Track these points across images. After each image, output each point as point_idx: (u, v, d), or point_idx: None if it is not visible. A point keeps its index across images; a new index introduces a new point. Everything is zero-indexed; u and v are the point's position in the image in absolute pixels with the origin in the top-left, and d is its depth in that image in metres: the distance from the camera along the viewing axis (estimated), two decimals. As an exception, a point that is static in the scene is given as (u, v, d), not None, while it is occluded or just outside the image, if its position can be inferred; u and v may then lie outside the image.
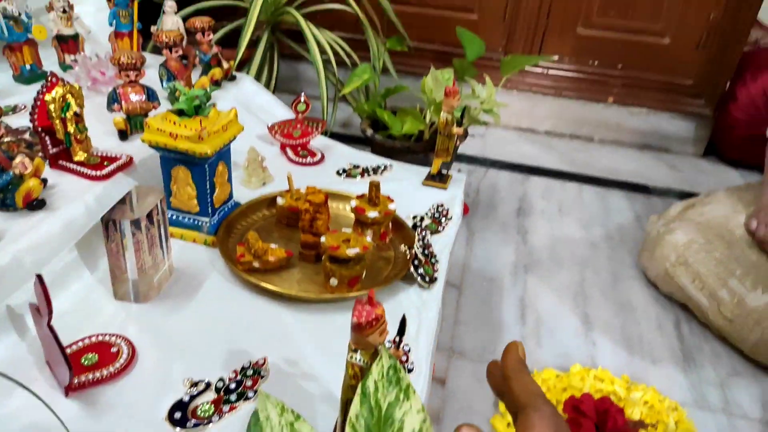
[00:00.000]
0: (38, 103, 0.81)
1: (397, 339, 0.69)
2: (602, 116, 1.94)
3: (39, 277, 0.55)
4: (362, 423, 0.44)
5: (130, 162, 0.89)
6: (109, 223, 0.68)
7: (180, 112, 0.79)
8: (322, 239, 0.76)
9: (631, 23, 1.79)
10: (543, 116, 1.99)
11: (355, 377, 0.49)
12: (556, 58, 1.90)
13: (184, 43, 1.17)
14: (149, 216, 0.70)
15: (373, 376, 0.46)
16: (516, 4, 1.84)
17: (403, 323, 0.53)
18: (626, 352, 1.08)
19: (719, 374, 1.05)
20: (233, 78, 1.26)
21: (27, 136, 0.95)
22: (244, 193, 0.98)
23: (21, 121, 0.99)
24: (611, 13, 1.80)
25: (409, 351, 0.69)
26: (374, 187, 0.86)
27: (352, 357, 0.49)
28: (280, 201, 0.90)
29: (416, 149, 1.32)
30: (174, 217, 0.85)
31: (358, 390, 0.46)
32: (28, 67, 1.14)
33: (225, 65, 1.21)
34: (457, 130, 1.02)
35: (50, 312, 0.56)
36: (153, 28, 1.26)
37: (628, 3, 1.77)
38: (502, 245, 1.36)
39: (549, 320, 1.14)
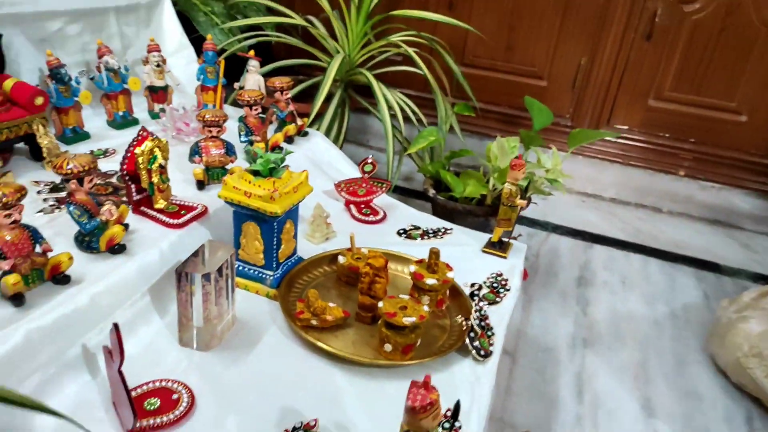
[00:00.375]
0: (129, 153, 0.88)
1: (451, 423, 0.68)
2: (671, 188, 1.89)
3: (115, 326, 0.59)
4: None
5: (205, 212, 0.94)
6: (181, 275, 0.71)
7: (256, 174, 0.83)
8: (380, 304, 0.77)
9: (705, 99, 1.76)
10: (608, 183, 1.95)
11: (407, 459, 0.49)
12: (623, 132, 1.88)
13: (264, 100, 1.24)
14: (219, 269, 0.74)
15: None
16: (586, 74, 1.85)
17: (457, 408, 0.53)
18: (690, 446, 1.01)
19: (795, 481, 0.96)
20: (305, 134, 1.32)
21: (114, 180, 1.02)
22: (307, 246, 1.01)
23: (110, 165, 1.08)
24: (684, 88, 1.77)
25: (460, 427, 0.68)
26: (434, 254, 0.87)
27: (403, 439, 0.49)
28: (341, 260, 0.93)
29: (477, 213, 1.32)
30: (240, 269, 0.88)
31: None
32: (121, 113, 1.24)
33: (299, 122, 1.27)
34: (520, 202, 1.02)
35: (122, 358, 0.59)
36: (236, 84, 1.34)
37: (702, 79, 1.74)
38: (561, 315, 1.33)
39: (607, 401, 1.09)
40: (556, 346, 1.23)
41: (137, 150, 0.86)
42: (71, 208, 0.77)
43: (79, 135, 1.16)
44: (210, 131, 1.02)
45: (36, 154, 1.05)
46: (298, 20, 1.61)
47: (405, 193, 1.23)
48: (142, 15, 1.41)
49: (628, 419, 1.05)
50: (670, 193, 1.90)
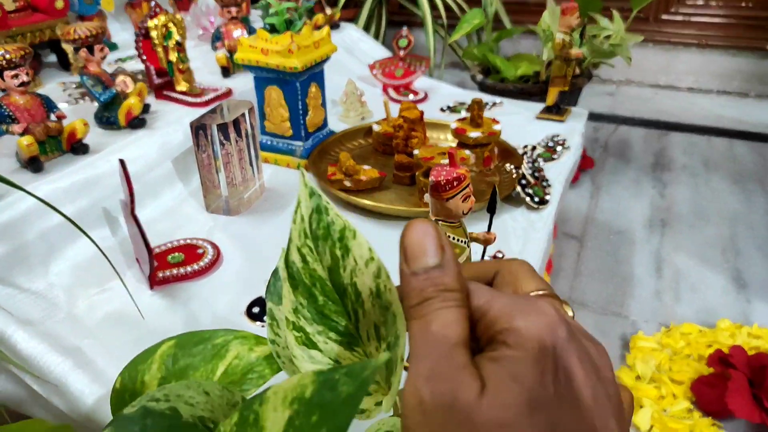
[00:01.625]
0: (142, 32, 0.83)
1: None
2: (758, 68, 1.67)
3: (121, 162, 0.55)
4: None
5: (229, 93, 0.89)
6: (198, 128, 0.66)
7: (272, 29, 0.77)
8: (415, 152, 0.69)
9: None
10: (684, 71, 1.75)
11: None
12: (698, 7, 1.66)
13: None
14: (237, 129, 0.68)
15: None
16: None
17: (493, 198, 0.45)
18: (794, 314, 0.88)
19: None
20: (337, 26, 1.24)
21: (140, 77, 0.99)
22: (342, 127, 0.94)
23: (137, 65, 1.04)
24: (770, -59, 1.54)
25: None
26: (477, 105, 0.77)
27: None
28: (376, 128, 0.85)
29: (532, 91, 1.20)
30: (268, 142, 0.83)
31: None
32: (149, 24, 1.20)
33: (328, 11, 1.19)
34: (575, 52, 0.90)
35: (132, 199, 0.55)
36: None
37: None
38: (634, 199, 1.20)
39: (691, 276, 0.97)
40: (629, 228, 1.11)
41: (150, 23, 0.81)
42: (84, 79, 0.73)
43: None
44: (229, 12, 0.96)
45: (64, 62, 1.03)
46: None
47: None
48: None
49: (716, 292, 0.93)
50: (757, 74, 1.68)
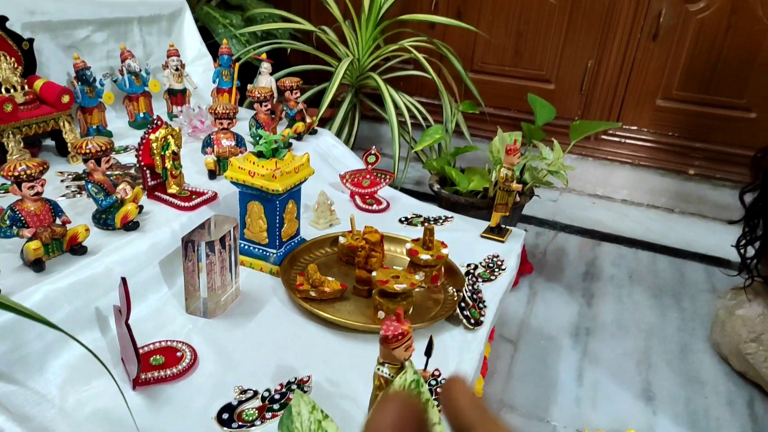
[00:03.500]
0: (143, 141, 0.94)
1: (437, 381, 0.72)
2: (682, 188, 1.89)
3: (123, 279, 0.65)
4: (380, 426, 0.47)
5: (214, 197, 1.00)
6: (188, 243, 0.77)
7: (260, 154, 0.89)
8: (374, 273, 0.81)
9: (713, 97, 1.77)
10: (619, 185, 1.97)
11: (380, 388, 0.53)
12: (632, 132, 1.90)
13: (274, 99, 1.31)
14: (222, 241, 0.79)
15: (395, 386, 0.50)
16: (593, 77, 1.88)
17: (430, 344, 0.57)
18: (689, 427, 1.02)
19: (797, 462, 0.96)
20: (314, 132, 1.38)
21: (132, 171, 1.09)
22: (311, 232, 1.06)
23: (129, 158, 1.15)
24: (692, 87, 1.79)
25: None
26: (428, 231, 0.91)
27: (379, 369, 0.53)
28: (341, 240, 0.97)
29: (480, 205, 1.36)
30: (246, 247, 0.94)
31: (380, 396, 0.49)
32: (141, 114, 1.32)
33: (308, 120, 1.33)
34: (516, 186, 1.06)
35: (128, 311, 0.64)
36: (249, 86, 1.41)
37: (710, 77, 1.75)
38: (565, 307, 1.35)
39: (607, 385, 1.10)
40: (558, 335, 1.24)
41: (152, 137, 0.93)
42: (89, 186, 0.83)
43: (102, 133, 1.23)
44: (221, 123, 1.08)
45: (62, 149, 1.13)
46: (309, 27, 1.69)
47: (415, 196, 1.28)
48: (163, 25, 1.50)
49: (628, 402, 1.06)
50: (682, 193, 1.91)
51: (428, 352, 0.56)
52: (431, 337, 0.56)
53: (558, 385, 1.09)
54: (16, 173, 0.72)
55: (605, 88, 1.88)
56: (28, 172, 0.73)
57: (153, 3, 1.48)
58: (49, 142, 1.15)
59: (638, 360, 1.18)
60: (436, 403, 0.60)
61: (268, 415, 0.64)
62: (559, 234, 1.72)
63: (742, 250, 1.15)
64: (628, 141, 1.91)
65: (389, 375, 0.52)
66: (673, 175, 1.89)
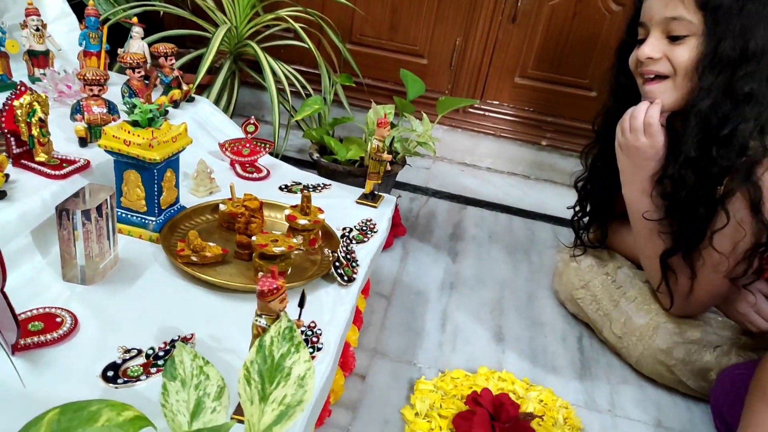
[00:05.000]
0: (6, 107, 0.91)
1: (313, 331, 0.81)
2: (536, 157, 2.12)
3: (-3, 248, 0.65)
4: (256, 368, 0.55)
5: (87, 165, 0.99)
6: (62, 212, 0.78)
7: (135, 123, 0.90)
8: (253, 238, 0.87)
9: (562, 77, 1.99)
10: (484, 154, 2.16)
11: (257, 336, 0.60)
12: (494, 106, 2.08)
13: (148, 65, 1.28)
14: (99, 209, 0.80)
15: (270, 333, 0.57)
16: (461, 54, 2.03)
17: (302, 297, 0.64)
18: (531, 361, 1.20)
19: (610, 382, 1.18)
20: (192, 99, 1.38)
21: (-7, 137, 1.04)
22: (192, 200, 1.08)
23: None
24: (545, 66, 2.00)
25: (321, 334, 0.80)
26: (306, 198, 0.98)
27: (257, 320, 0.60)
28: (222, 207, 1.01)
29: (357, 173, 1.45)
30: (123, 215, 0.95)
31: (256, 342, 0.57)
32: (-1, 77, 1.24)
33: (185, 87, 1.33)
34: (386, 156, 1.16)
35: (4, 279, 0.65)
36: (120, 51, 1.37)
37: (560, 59, 1.97)
38: (433, 265, 1.49)
39: (466, 330, 1.26)
40: (427, 289, 1.38)
41: (15, 103, 0.90)
42: (-53, 154, 0.80)
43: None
44: (91, 90, 1.06)
45: None
46: (184, -9, 1.65)
47: (293, 163, 1.33)
48: (18, -21, 1.40)
49: (482, 343, 1.23)
50: (536, 162, 2.14)
51: (301, 304, 0.63)
52: (303, 291, 0.64)
53: (424, 333, 1.23)
54: None
55: (471, 65, 2.03)
56: None
57: (5, -46, 1.36)
58: None
59: (492, 308, 1.36)
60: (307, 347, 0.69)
61: (153, 370, 0.68)
62: (431, 199, 1.87)
63: (574, 224, 1.35)
64: (491, 114, 2.09)
65: (266, 324, 0.59)
66: (529, 146, 2.11)
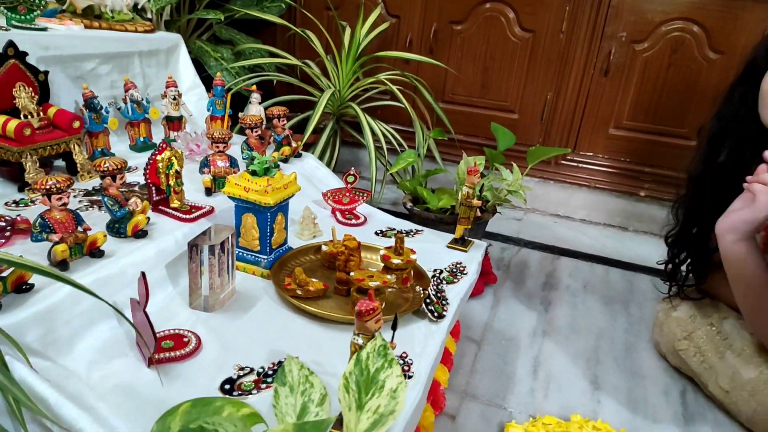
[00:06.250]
0: (151, 161, 1.08)
1: (405, 360, 0.86)
2: (634, 208, 2.08)
3: (143, 274, 0.78)
4: (353, 379, 0.61)
5: (211, 211, 1.14)
6: (193, 247, 0.90)
7: (253, 173, 1.03)
8: (351, 273, 0.95)
9: (658, 127, 1.97)
10: (578, 205, 2.14)
11: (355, 353, 0.66)
12: (588, 158, 2.09)
13: (263, 126, 1.45)
14: (222, 246, 0.93)
15: (367, 349, 0.64)
16: (552, 107, 2.08)
17: (395, 320, 0.70)
18: (629, 412, 1.16)
19: (719, 439, 1.11)
20: (299, 155, 1.53)
21: (137, 188, 1.23)
22: (297, 242, 1.19)
23: (132, 178, 1.28)
24: (640, 117, 1.98)
25: (412, 364, 0.85)
26: (399, 239, 1.05)
27: (354, 339, 0.67)
28: (324, 248, 1.11)
29: (448, 221, 1.51)
30: (240, 254, 1.07)
31: (354, 357, 0.63)
32: (142, 139, 1.46)
33: (293, 144, 1.48)
34: (476, 202, 1.21)
35: (147, 299, 0.77)
36: (240, 114, 1.56)
37: (656, 109, 1.95)
38: (525, 312, 1.49)
39: (559, 377, 1.24)
40: (518, 336, 1.39)
41: (158, 157, 1.07)
42: (105, 199, 0.96)
43: (107, 155, 1.37)
44: (217, 146, 1.22)
45: (71, 169, 1.25)
46: (294, 61, 1.86)
47: (390, 214, 1.42)
48: (161, 58, 1.65)
49: (576, 392, 1.20)
50: (634, 213, 2.09)
51: (394, 327, 0.70)
52: (396, 315, 0.70)
53: (515, 379, 1.23)
54: (48, 186, 0.85)
55: (563, 117, 2.07)
56: (58, 185, 0.86)
57: (152, 39, 1.62)
58: (59, 163, 1.27)
59: (588, 357, 1.33)
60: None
61: (263, 386, 0.77)
62: (523, 249, 1.88)
63: (670, 274, 1.31)
64: (585, 166, 2.09)
65: (363, 342, 0.66)
66: (626, 197, 2.07)
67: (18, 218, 0.95)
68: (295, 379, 0.62)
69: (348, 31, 1.93)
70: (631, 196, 2.07)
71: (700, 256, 1.28)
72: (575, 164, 2.10)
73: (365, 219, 1.34)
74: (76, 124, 1.23)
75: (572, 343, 1.38)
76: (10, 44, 1.17)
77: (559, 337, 1.40)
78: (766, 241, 1.14)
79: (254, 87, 1.58)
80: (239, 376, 0.78)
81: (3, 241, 0.91)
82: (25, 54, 1.20)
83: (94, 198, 1.15)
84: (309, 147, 1.76)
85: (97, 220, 1.03)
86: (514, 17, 2.01)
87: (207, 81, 1.77)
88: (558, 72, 2.02)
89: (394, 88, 1.82)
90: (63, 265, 0.87)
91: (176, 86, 1.51)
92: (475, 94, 2.16)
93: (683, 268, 1.31)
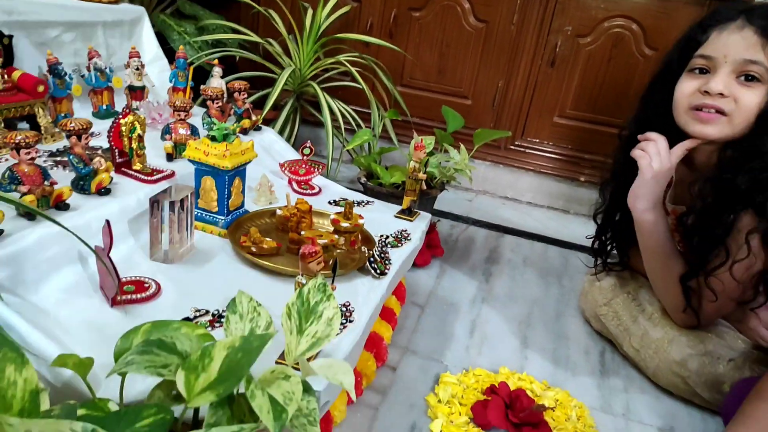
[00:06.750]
0: (114, 125, 1.14)
1: (347, 307, 0.96)
2: (576, 193, 2.23)
3: (107, 222, 0.85)
4: (296, 309, 0.71)
5: (172, 174, 1.21)
6: (154, 203, 0.98)
7: (213, 138, 1.11)
8: (302, 232, 1.04)
9: (598, 116, 2.11)
10: (525, 189, 2.28)
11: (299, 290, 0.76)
12: (535, 144, 2.22)
13: (224, 98, 1.52)
14: (182, 203, 1.00)
15: (308, 285, 0.73)
16: (503, 95, 2.20)
17: (335, 263, 0.80)
18: (552, 367, 1.29)
19: (628, 391, 1.25)
20: (259, 128, 1.60)
21: (100, 152, 1.28)
22: (254, 208, 1.27)
23: (94, 142, 1.33)
24: (582, 107, 2.13)
25: (353, 311, 0.95)
26: (348, 205, 1.15)
27: (298, 278, 0.76)
28: (278, 212, 1.20)
29: (399, 195, 1.61)
30: (199, 214, 1.14)
31: (297, 291, 0.73)
32: (104, 107, 1.50)
33: (253, 118, 1.55)
34: (422, 176, 1.32)
35: (111, 246, 0.84)
36: (202, 87, 1.62)
37: (596, 100, 2.10)
38: (468, 282, 1.61)
39: (493, 338, 1.36)
40: (459, 302, 1.50)
41: (122, 121, 1.13)
42: (71, 157, 1.02)
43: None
44: (179, 114, 1.29)
45: (35, 131, 1.30)
46: (257, 38, 1.92)
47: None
48: (125, 29, 1.69)
49: (507, 350, 1.33)
50: (575, 197, 2.24)
51: (334, 270, 0.79)
52: (335, 259, 0.80)
53: (453, 338, 1.34)
54: (17, 141, 0.91)
55: (512, 105, 2.19)
56: (27, 140, 0.92)
57: (116, 9, 1.66)
58: (23, 125, 1.31)
59: (520, 321, 1.46)
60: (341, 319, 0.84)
61: (217, 324, 0.85)
62: (471, 227, 2.00)
63: (595, 250, 1.43)
64: (531, 151, 2.23)
65: (305, 281, 0.75)
66: (567, 182, 2.22)
67: (-15, 172, 1.00)
68: (244, 309, 0.71)
69: (309, 12, 2.00)
70: (572, 181, 2.22)
71: (622, 236, 1.42)
72: (522, 149, 2.23)
73: (320, 190, 1.43)
74: (41, 88, 1.27)
75: (508, 309, 1.51)
76: (-24, 7, 1.20)
77: (497, 303, 1.53)
78: (674, 225, 1.28)
79: (216, 61, 1.64)
80: (196, 317, 0.87)
81: (-29, 192, 0.96)
82: (-10, 17, 1.23)
83: (59, 159, 1.20)
84: (269, 123, 1.83)
85: (61, 179, 1.09)
86: (469, 7, 2.12)
87: (170, 54, 1.82)
88: (509, 61, 2.14)
89: (353, 69, 1.90)
90: (30, 215, 0.93)
91: (139, 57, 1.56)
92: (432, 80, 2.26)
93: (608, 244, 1.45)
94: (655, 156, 1.14)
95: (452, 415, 1.09)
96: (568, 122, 2.16)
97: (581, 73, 2.09)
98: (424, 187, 1.35)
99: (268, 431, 0.53)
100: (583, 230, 2.08)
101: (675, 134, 1.16)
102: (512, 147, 2.24)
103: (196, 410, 0.61)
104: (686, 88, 1.11)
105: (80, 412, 0.53)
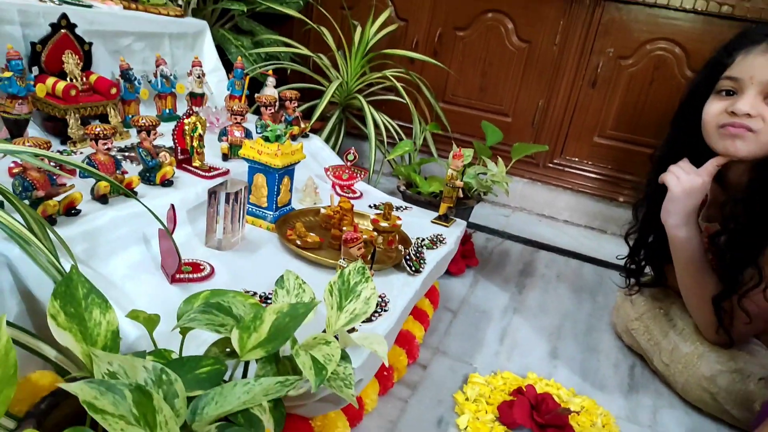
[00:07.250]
0: (178, 125, 1.25)
1: (383, 299, 1.02)
2: (614, 213, 2.24)
3: (172, 206, 0.94)
4: (337, 287, 0.78)
5: (227, 172, 1.31)
6: (212, 194, 1.07)
7: (266, 139, 1.20)
8: (344, 229, 1.12)
9: (639, 137, 2.13)
10: (562, 207, 2.30)
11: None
12: (573, 163, 2.25)
13: (277, 106, 1.62)
14: (236, 195, 1.09)
15: (349, 267, 0.80)
16: (543, 113, 2.24)
17: (373, 252, 0.87)
18: (580, 378, 1.31)
19: (656, 405, 1.26)
20: (307, 136, 1.69)
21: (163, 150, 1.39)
22: (300, 206, 1.36)
23: (157, 142, 1.45)
24: (623, 128, 2.15)
25: (388, 302, 1.01)
26: (387, 206, 1.22)
27: (340, 262, 0.83)
28: (322, 211, 1.28)
29: (437, 204, 1.67)
30: (250, 209, 1.23)
31: (338, 272, 0.79)
32: (167, 110, 1.63)
33: (302, 125, 1.65)
34: (459, 183, 1.38)
35: (174, 227, 0.93)
36: (256, 95, 1.73)
37: (637, 121, 2.12)
38: (500, 292, 1.65)
39: (522, 345, 1.40)
40: (491, 310, 1.54)
41: (185, 121, 1.23)
42: (140, 150, 1.13)
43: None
44: (235, 118, 1.39)
45: (106, 129, 1.42)
46: (308, 52, 2.03)
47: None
48: (189, 41, 1.83)
49: (536, 358, 1.36)
50: (613, 218, 2.25)
51: (372, 258, 0.86)
52: (374, 249, 0.86)
53: (483, 343, 1.38)
54: (96, 132, 1.02)
55: (552, 124, 2.23)
56: (105, 132, 1.03)
57: (181, 22, 1.80)
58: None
59: (551, 332, 1.49)
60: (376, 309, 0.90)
61: (264, 305, 0.93)
62: (506, 241, 2.04)
63: (628, 269, 1.45)
64: (570, 170, 2.26)
65: (346, 265, 0.82)
66: (606, 201, 2.24)
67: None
68: (291, 285, 0.78)
69: (359, 29, 2.10)
70: (611, 201, 2.23)
71: (658, 254, 1.42)
72: (561, 168, 2.26)
73: (361, 194, 1.51)
74: (113, 90, 1.40)
75: (539, 320, 1.54)
76: (63, 16, 1.34)
77: (528, 314, 1.56)
78: (707, 244, 1.28)
79: (270, 72, 1.75)
80: (245, 298, 0.95)
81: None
82: (75, 26, 1.37)
83: (127, 154, 1.32)
84: (315, 132, 1.93)
85: (131, 170, 1.20)
86: (512, 27, 2.19)
87: (227, 66, 1.94)
88: (550, 81, 2.19)
89: (398, 84, 1.99)
90: (103, 199, 1.03)
91: (201, 66, 1.68)
92: (474, 97, 2.33)
93: (641, 265, 1.46)
94: (680, 172, 1.16)
95: (479, 413, 1.13)
96: (608, 142, 2.19)
97: (622, 95, 2.11)
98: (461, 195, 1.41)
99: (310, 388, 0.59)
100: (619, 250, 2.09)
101: (706, 156, 1.18)
102: (550, 165, 2.28)
103: (246, 367, 0.68)
104: (714, 109, 1.13)
105: (148, 358, 0.61)
